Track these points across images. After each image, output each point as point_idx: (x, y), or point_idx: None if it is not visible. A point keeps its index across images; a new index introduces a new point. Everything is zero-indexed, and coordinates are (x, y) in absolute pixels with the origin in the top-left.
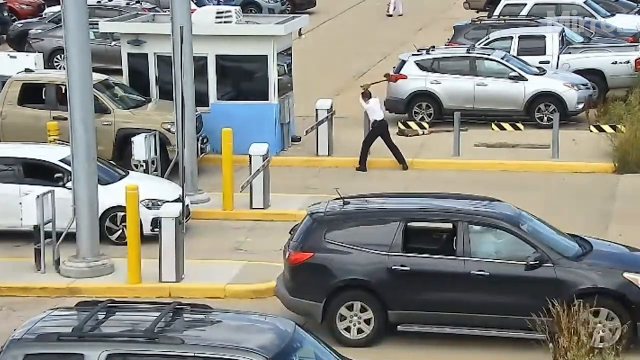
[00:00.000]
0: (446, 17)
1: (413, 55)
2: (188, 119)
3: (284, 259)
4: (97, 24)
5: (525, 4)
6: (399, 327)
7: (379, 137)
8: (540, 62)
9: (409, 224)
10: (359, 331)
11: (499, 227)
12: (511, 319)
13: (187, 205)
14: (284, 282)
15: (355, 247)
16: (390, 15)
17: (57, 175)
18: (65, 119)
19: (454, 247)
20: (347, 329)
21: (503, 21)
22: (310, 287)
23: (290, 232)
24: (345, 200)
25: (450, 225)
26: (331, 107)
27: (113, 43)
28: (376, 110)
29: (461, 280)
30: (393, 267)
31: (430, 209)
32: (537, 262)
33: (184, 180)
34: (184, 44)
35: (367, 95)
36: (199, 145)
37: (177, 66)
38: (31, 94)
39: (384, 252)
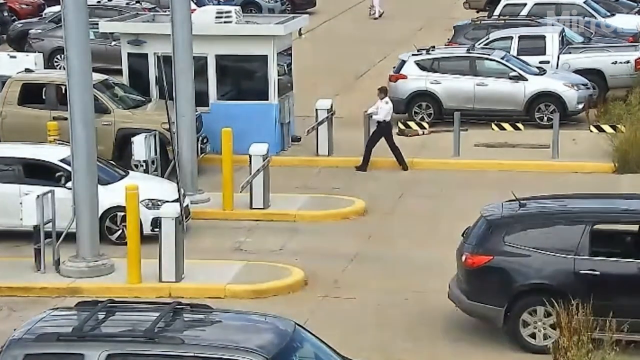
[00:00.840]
0: (446, 17)
1: (413, 55)
2: (188, 119)
3: (459, 262)
4: (97, 24)
5: (525, 4)
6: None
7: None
8: (540, 62)
9: (595, 226)
10: (545, 337)
11: None
12: None
13: (187, 205)
14: (459, 285)
15: (536, 250)
16: (376, 18)
17: (57, 175)
18: (65, 119)
19: None
20: (532, 335)
21: (503, 21)
22: (490, 291)
23: (462, 235)
24: (522, 202)
25: None
26: (331, 107)
27: (113, 43)
28: (385, 110)
29: None
30: (581, 271)
31: (622, 211)
32: None
33: (178, 178)
34: (183, 44)
35: (383, 92)
36: (199, 145)
37: (175, 70)
38: (31, 94)
39: (570, 256)
